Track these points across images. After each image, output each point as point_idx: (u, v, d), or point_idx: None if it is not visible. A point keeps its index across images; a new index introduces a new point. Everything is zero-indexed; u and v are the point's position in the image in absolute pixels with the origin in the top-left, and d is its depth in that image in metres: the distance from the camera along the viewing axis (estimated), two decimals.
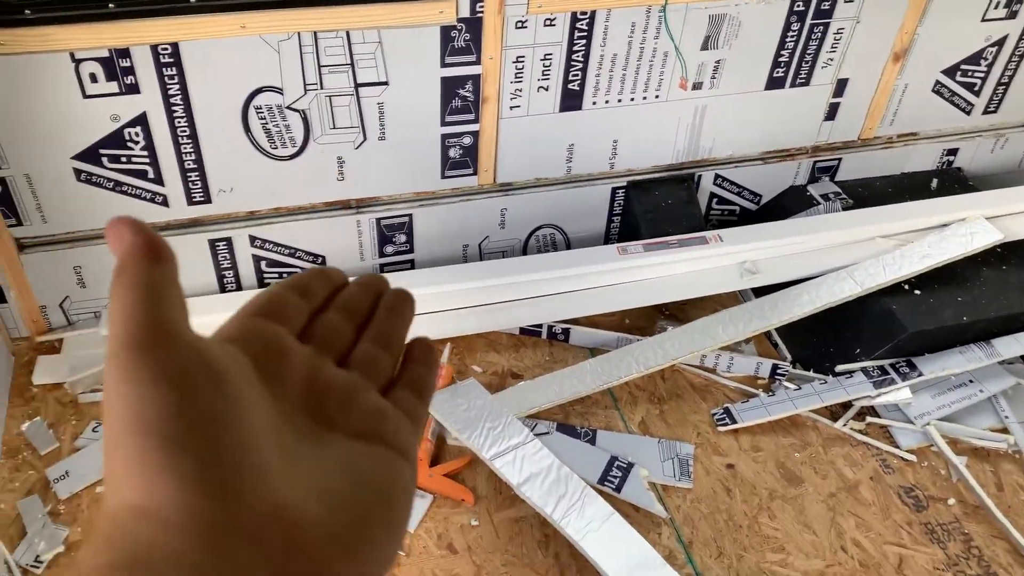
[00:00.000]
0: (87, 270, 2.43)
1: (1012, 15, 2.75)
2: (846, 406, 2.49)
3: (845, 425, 2.45)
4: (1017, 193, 2.84)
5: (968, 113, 2.99)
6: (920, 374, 2.49)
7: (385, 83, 2.32)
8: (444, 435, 2.32)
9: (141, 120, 2.19)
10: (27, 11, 1.95)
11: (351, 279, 0.56)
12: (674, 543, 2.15)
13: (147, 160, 2.26)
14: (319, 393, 0.45)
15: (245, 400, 0.38)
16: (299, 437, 0.41)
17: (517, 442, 2.24)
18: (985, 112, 3.01)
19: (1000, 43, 2.81)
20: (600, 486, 2.23)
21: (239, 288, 2.61)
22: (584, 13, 2.34)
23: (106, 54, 2.05)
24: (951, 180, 3.11)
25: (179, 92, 2.17)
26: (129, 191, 2.31)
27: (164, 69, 2.12)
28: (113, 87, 2.11)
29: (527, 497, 2.12)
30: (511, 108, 2.47)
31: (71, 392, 2.37)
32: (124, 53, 2.06)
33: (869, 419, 2.47)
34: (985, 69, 2.88)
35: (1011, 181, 3.15)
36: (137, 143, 2.22)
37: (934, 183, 3.07)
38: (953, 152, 3.10)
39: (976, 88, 2.92)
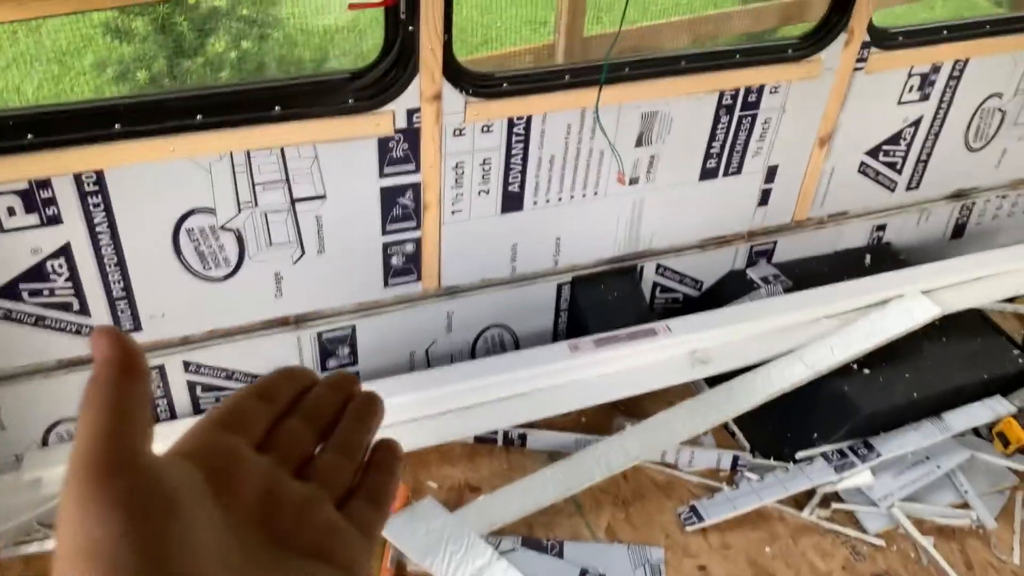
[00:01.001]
0: (6, 411, 2.25)
1: (925, 97, 2.87)
2: (810, 494, 2.46)
3: (812, 514, 2.42)
4: (948, 266, 2.92)
5: (892, 190, 3.09)
6: (878, 454, 2.49)
7: (323, 196, 2.25)
8: (404, 561, 2.19)
9: (64, 251, 2.06)
10: None
11: (322, 376, 0.53)
12: None
13: (71, 292, 2.13)
14: (273, 507, 0.45)
15: (195, 521, 0.39)
16: (248, 555, 0.42)
17: (482, 564, 2.13)
18: (908, 188, 3.11)
19: (916, 123, 2.93)
20: None
21: (173, 417, 2.46)
22: (520, 118, 2.33)
23: (25, 186, 1.94)
24: (883, 255, 3.18)
25: (104, 219, 2.06)
26: (52, 325, 2.16)
27: (88, 198, 2.01)
28: (33, 219, 1.99)
29: None
30: (452, 213, 2.43)
31: None
32: (44, 184, 1.96)
33: (834, 505, 2.44)
34: (905, 148, 2.98)
35: (937, 252, 3.25)
36: (60, 275, 2.09)
37: (867, 259, 3.14)
38: (882, 228, 3.19)
39: (898, 166, 3.03)
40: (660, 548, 2.30)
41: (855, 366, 2.63)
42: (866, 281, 2.86)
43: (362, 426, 0.53)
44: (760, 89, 2.59)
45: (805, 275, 3.01)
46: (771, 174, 2.83)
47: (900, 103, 2.84)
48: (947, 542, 2.37)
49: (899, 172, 3.05)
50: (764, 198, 2.88)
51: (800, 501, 2.45)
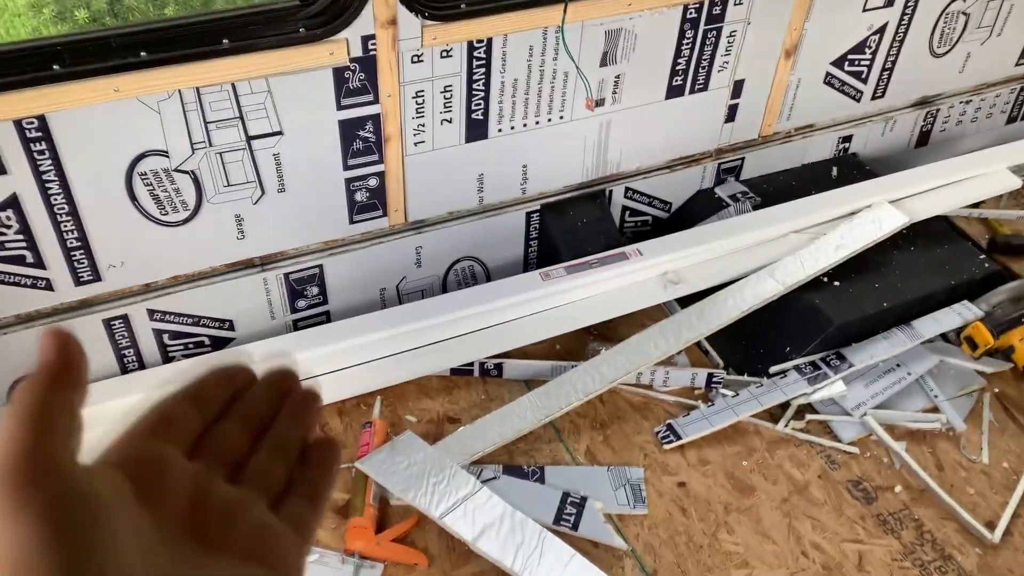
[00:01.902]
0: None
1: (890, 3, 2.82)
2: (784, 406, 2.49)
3: (787, 426, 2.45)
4: (914, 175, 2.93)
5: (858, 100, 3.06)
6: (850, 364, 2.52)
7: (279, 132, 2.17)
8: (387, 496, 2.19)
9: (12, 203, 1.98)
10: None
11: (259, 372, 0.53)
12: (638, 574, 2.10)
13: (24, 244, 2.05)
14: (202, 512, 0.44)
15: (120, 530, 0.39)
16: (177, 561, 0.41)
17: (465, 493, 2.14)
18: (873, 98, 3.09)
19: (881, 31, 2.89)
20: (556, 526, 2.15)
21: (142, 366, 2.41)
22: (480, 41, 2.26)
23: None
24: (849, 166, 3.18)
25: (52, 167, 1.97)
26: (7, 280, 2.09)
27: (32, 144, 1.92)
28: None
29: (484, 552, 2.02)
30: (415, 144, 2.37)
31: None
32: None
33: (808, 417, 2.47)
34: (870, 57, 2.94)
35: (903, 161, 3.25)
36: (10, 227, 2.01)
37: (834, 171, 3.13)
38: (848, 139, 3.17)
39: (863, 76, 2.99)
40: (640, 468, 2.33)
41: (825, 279, 2.64)
42: (833, 193, 2.85)
43: (298, 424, 0.52)
44: (725, 0, 2.52)
45: (773, 191, 3.00)
46: (737, 89, 2.78)
47: (865, 10, 2.79)
48: (918, 446, 2.42)
49: (864, 81, 3.02)
50: (731, 114, 2.84)
51: (775, 415, 2.48)
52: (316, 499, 0.51)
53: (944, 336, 2.65)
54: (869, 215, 2.75)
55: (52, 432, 0.39)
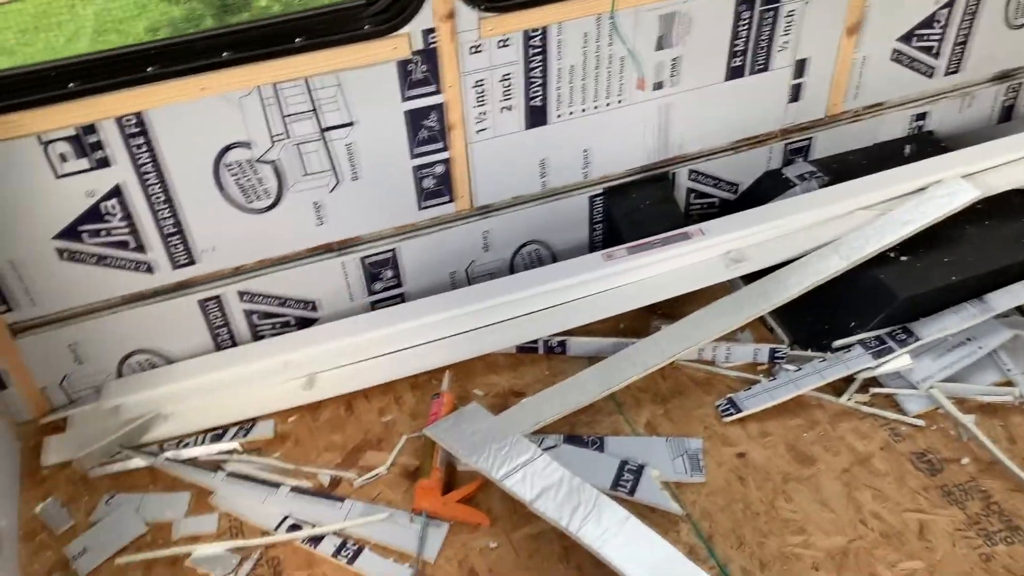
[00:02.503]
0: (82, 346, 2.45)
1: None
2: (848, 381, 2.49)
3: (850, 399, 2.45)
4: (990, 148, 2.86)
5: (930, 76, 3.02)
6: (917, 339, 2.49)
7: (351, 123, 2.35)
8: (454, 462, 2.32)
9: (116, 192, 2.22)
10: None
11: None
12: (694, 539, 2.15)
13: (127, 230, 2.29)
14: None
15: None
16: None
17: (526, 459, 2.25)
18: (948, 73, 3.04)
19: (950, 4, 2.84)
20: (614, 492, 2.23)
21: (234, 344, 2.63)
22: (536, 30, 2.37)
23: (73, 132, 2.09)
24: (924, 144, 3.12)
25: (150, 160, 2.20)
26: (113, 263, 2.34)
27: (132, 139, 2.15)
28: (84, 164, 2.15)
29: (542, 512, 2.12)
30: (478, 132, 2.50)
31: (81, 469, 2.38)
32: (90, 129, 2.10)
33: (873, 390, 2.46)
34: (940, 31, 2.90)
35: (985, 137, 3.15)
36: (115, 215, 2.25)
37: (907, 149, 3.09)
38: (922, 117, 3.12)
39: (934, 51, 2.95)
40: (699, 439, 2.38)
41: (892, 254, 2.62)
42: (903, 169, 2.82)
43: None
44: None
45: (843, 170, 2.99)
46: (800, 68, 2.80)
47: None
48: (989, 419, 2.38)
49: (936, 56, 2.97)
50: (795, 94, 2.86)
51: (839, 389, 2.48)
52: None
53: (1020, 310, 2.58)
54: (940, 189, 2.71)
55: None
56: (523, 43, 2.38)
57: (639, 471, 2.28)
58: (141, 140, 2.16)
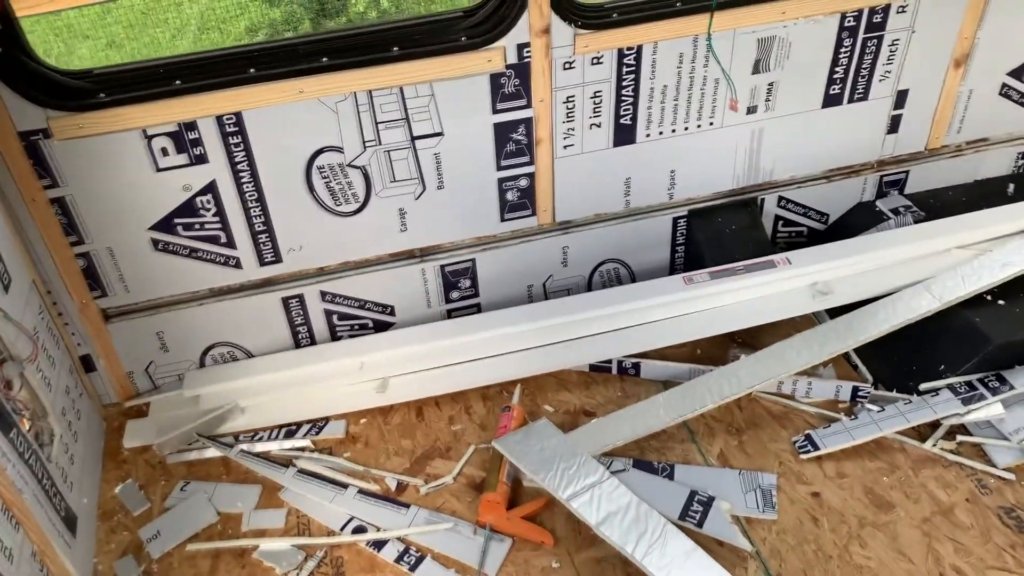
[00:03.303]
0: (169, 335, 2.53)
1: None
2: (934, 426, 2.39)
3: (935, 445, 2.35)
4: None
5: None
6: (1011, 387, 2.38)
7: (440, 134, 2.37)
8: (520, 477, 2.31)
9: (211, 188, 2.28)
10: (102, 95, 2.08)
11: None
12: None
13: (219, 226, 2.36)
14: None
15: None
16: None
17: (593, 481, 2.22)
18: None
19: None
20: (681, 522, 2.19)
21: (312, 342, 2.67)
22: (631, 48, 2.36)
23: (175, 128, 2.16)
24: None
25: (244, 159, 2.26)
26: (203, 256, 2.40)
27: (229, 138, 2.21)
28: (183, 159, 2.21)
29: (606, 536, 2.09)
30: (565, 147, 2.49)
31: (159, 453, 2.45)
32: (191, 126, 2.17)
33: (960, 438, 2.36)
34: None
35: None
36: (208, 210, 2.32)
37: (1011, 188, 2.96)
38: None
39: None
40: (773, 474, 2.32)
41: (989, 297, 2.51)
42: (1003, 209, 2.70)
43: None
44: (886, 8, 2.49)
45: (940, 206, 2.88)
46: (901, 99, 2.71)
47: None
48: None
49: None
50: (894, 125, 2.77)
51: (923, 433, 2.39)
52: None
53: None
54: None
55: None
56: (616, 61, 2.37)
57: (709, 502, 2.23)
58: (238, 139, 2.22)
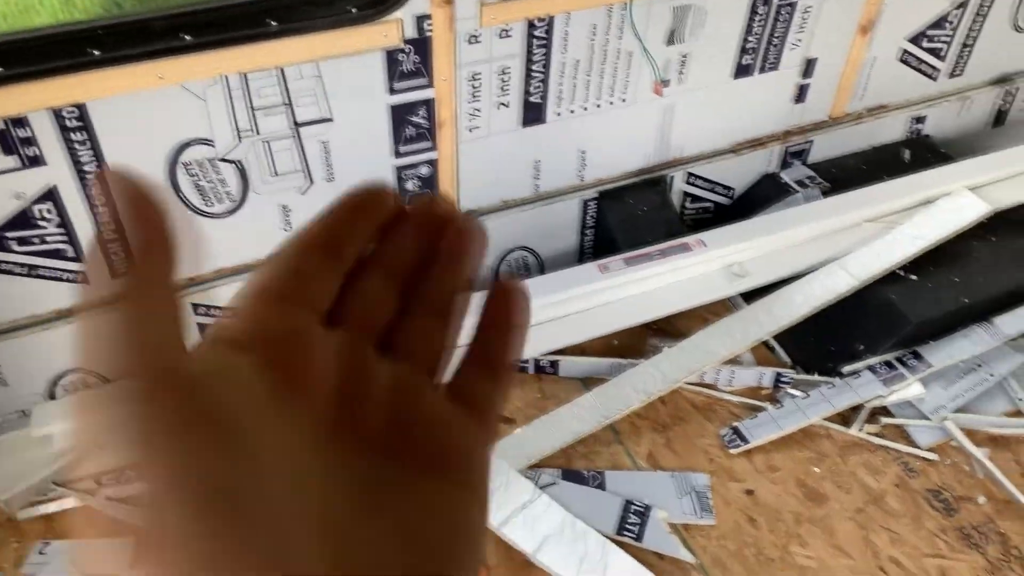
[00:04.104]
0: (7, 366, 2.11)
1: None
2: (857, 409, 2.35)
3: (860, 430, 2.31)
4: (997, 159, 2.74)
5: (934, 79, 2.88)
6: (928, 365, 2.37)
7: (328, 119, 2.05)
8: None
9: (51, 195, 1.88)
10: None
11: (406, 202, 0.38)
12: None
13: (63, 238, 1.96)
14: (359, 403, 0.33)
15: (265, 444, 0.28)
16: (340, 483, 0.30)
17: (524, 501, 2.04)
18: (951, 76, 2.90)
19: (964, 4, 2.69)
20: (620, 537, 2.04)
21: None
22: (541, 20, 2.11)
23: (0, 125, 1.74)
24: (922, 148, 3.00)
25: (92, 158, 1.87)
26: (46, 274, 2.00)
27: (71, 134, 1.81)
28: (12, 162, 1.80)
29: (546, 566, 1.92)
30: (470, 130, 2.23)
31: (7, 510, 2.06)
32: (20, 122, 1.75)
33: (884, 420, 2.33)
34: (950, 33, 2.75)
35: (978, 142, 3.06)
36: (50, 220, 1.92)
37: (906, 154, 2.96)
38: (921, 120, 2.99)
39: (941, 53, 2.80)
40: (705, 474, 2.21)
41: (901, 272, 2.48)
42: (909, 179, 2.68)
43: (457, 270, 0.38)
44: None
45: (842, 175, 2.84)
46: (809, 68, 2.61)
47: None
48: (1002, 452, 2.28)
49: (942, 59, 2.82)
50: (801, 94, 2.67)
51: (847, 417, 2.35)
52: (496, 368, 0.37)
53: None
54: (948, 203, 2.58)
55: (164, 327, 0.30)
56: (526, 33, 2.12)
57: (646, 512, 2.09)
58: (83, 135, 1.82)
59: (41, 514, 2.08)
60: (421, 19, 1.97)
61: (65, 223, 1.93)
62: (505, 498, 2.03)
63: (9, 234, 1.90)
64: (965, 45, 2.82)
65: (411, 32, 1.98)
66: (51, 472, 2.09)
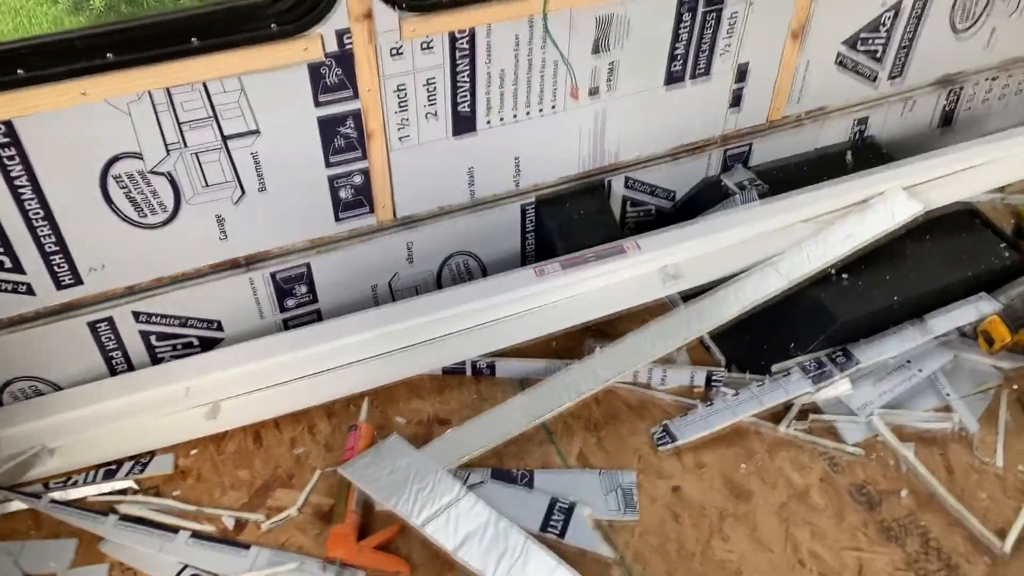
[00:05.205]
0: None
1: None
2: (787, 407, 2.39)
3: (789, 427, 2.36)
4: (933, 159, 2.78)
5: (874, 81, 2.92)
6: (857, 362, 2.41)
7: (256, 131, 2.12)
8: (372, 502, 2.15)
9: None
10: None
11: None
12: None
13: (0, 250, 2.03)
14: None
15: None
16: None
17: (449, 500, 2.09)
18: (891, 78, 2.94)
19: (896, 7, 2.73)
20: (543, 534, 2.09)
21: (130, 367, 2.39)
22: (462, 32, 2.17)
23: None
24: (866, 151, 3.04)
25: (23, 172, 1.94)
26: None
27: (1, 150, 1.89)
28: None
29: (465, 563, 1.97)
30: (400, 140, 2.30)
31: None
32: None
33: (812, 417, 2.37)
34: (885, 35, 2.80)
35: (925, 144, 3.09)
36: None
37: (849, 156, 3.00)
38: (864, 122, 3.03)
39: (878, 55, 2.85)
40: (632, 472, 2.26)
41: (833, 272, 2.53)
42: (844, 181, 2.72)
43: None
44: None
45: (783, 178, 2.88)
46: (742, 73, 2.66)
47: None
48: (928, 448, 2.31)
49: (880, 61, 2.87)
50: (736, 100, 2.72)
51: (778, 415, 2.39)
52: None
53: (960, 331, 2.52)
54: (881, 203, 2.62)
55: None
56: (448, 46, 2.18)
57: (570, 510, 2.14)
58: (12, 151, 1.90)
59: None
60: (342, 33, 2.04)
61: (1, 235, 2.01)
62: (430, 497, 2.09)
63: None
64: (902, 47, 2.86)
65: (332, 46, 2.05)
66: None
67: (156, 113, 1.99)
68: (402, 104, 2.23)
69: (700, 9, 2.43)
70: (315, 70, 2.08)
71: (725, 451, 2.32)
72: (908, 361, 2.46)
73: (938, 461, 2.29)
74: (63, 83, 1.86)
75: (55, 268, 2.13)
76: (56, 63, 1.85)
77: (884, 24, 2.76)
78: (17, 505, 2.15)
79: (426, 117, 2.29)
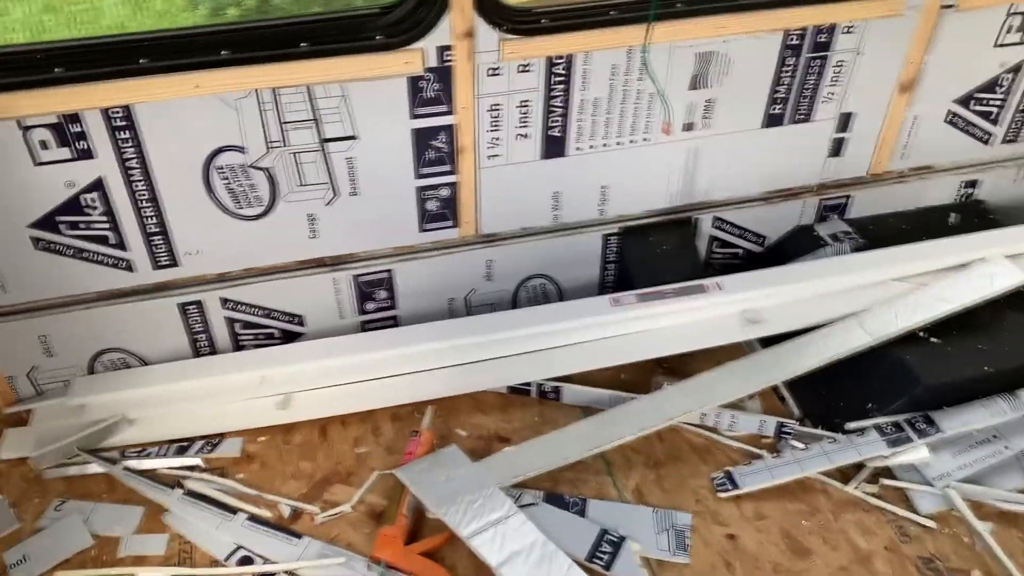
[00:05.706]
0: (54, 338, 2.34)
1: None
2: (858, 467, 2.30)
3: (857, 488, 2.26)
4: None
5: (986, 143, 2.81)
6: (939, 430, 2.29)
7: (353, 137, 2.21)
8: (424, 508, 2.17)
9: (97, 185, 2.10)
10: None
11: None
12: None
13: (107, 225, 2.17)
14: None
15: None
16: None
17: (499, 516, 2.09)
18: (1005, 141, 2.82)
19: (1016, 69, 2.63)
20: (589, 563, 2.07)
21: (213, 351, 2.50)
22: (560, 57, 2.21)
23: (55, 120, 1.97)
24: (972, 213, 2.92)
25: (135, 155, 2.08)
26: (91, 258, 2.22)
27: (118, 133, 2.03)
28: (65, 153, 2.03)
29: None
30: (490, 157, 2.35)
31: (35, 468, 2.27)
32: (74, 118, 1.98)
33: (884, 481, 2.27)
34: (1002, 97, 2.69)
35: None
36: (95, 208, 2.13)
37: (953, 217, 2.88)
38: (972, 184, 2.91)
39: (993, 116, 2.74)
40: (688, 514, 2.21)
41: (923, 334, 2.43)
42: (943, 242, 2.62)
43: None
44: (832, 28, 2.37)
45: (881, 233, 2.79)
46: (845, 122, 2.61)
47: (997, 45, 2.55)
48: (1008, 529, 2.18)
49: (995, 123, 2.76)
50: (836, 148, 2.67)
51: (847, 475, 2.30)
52: None
53: None
54: (981, 268, 2.51)
55: None
56: (546, 70, 2.23)
57: (619, 543, 2.11)
58: (128, 134, 2.04)
59: (64, 475, 2.27)
60: (443, 50, 2.11)
61: (110, 212, 2.15)
62: (480, 510, 2.09)
63: (60, 218, 2.13)
64: (1020, 110, 2.74)
65: (433, 61, 2.12)
66: (79, 439, 2.29)
67: (262, 111, 2.09)
68: (495, 123, 2.28)
69: (804, 54, 2.40)
70: (414, 83, 2.15)
71: (788, 505, 2.25)
72: (995, 436, 2.33)
73: (1017, 545, 2.15)
74: (179, 75, 1.99)
75: (155, 248, 2.25)
76: (174, 56, 1.98)
77: (1001, 85, 2.66)
78: (95, 468, 2.27)
79: (517, 138, 2.33)
